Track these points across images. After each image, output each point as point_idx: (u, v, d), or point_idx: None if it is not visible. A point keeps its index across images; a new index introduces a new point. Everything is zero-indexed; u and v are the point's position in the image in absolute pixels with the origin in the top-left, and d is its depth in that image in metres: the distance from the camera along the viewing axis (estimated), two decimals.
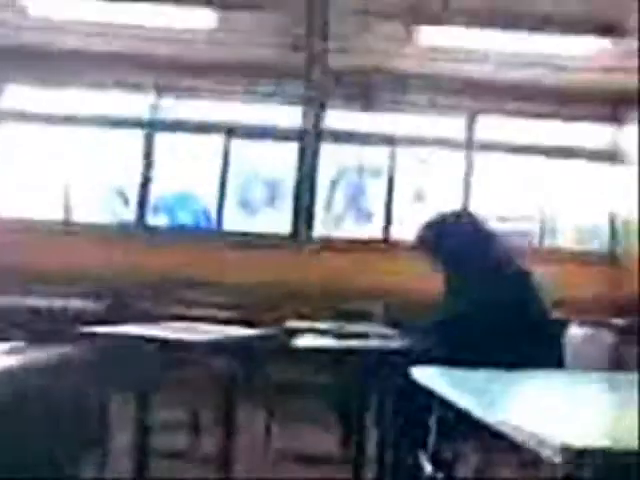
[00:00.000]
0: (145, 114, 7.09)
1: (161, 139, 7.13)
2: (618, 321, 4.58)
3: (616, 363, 3.21)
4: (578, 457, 1.02)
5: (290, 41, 6.20)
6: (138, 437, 2.84)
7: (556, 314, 2.82)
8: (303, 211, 7.01)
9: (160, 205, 7.23)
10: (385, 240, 7.01)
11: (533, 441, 1.13)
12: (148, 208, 7.12)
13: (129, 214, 7.12)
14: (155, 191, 7.15)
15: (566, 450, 1.02)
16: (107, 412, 3.08)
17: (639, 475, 1.04)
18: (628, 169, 7.00)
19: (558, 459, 1.02)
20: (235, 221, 7.15)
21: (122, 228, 7.00)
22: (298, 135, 7.06)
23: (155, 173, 7.11)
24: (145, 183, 7.06)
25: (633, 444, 1.11)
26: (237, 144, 7.10)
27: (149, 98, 7.05)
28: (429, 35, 5.83)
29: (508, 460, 2.16)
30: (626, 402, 1.69)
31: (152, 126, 7.09)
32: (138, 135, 7.09)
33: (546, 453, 1.07)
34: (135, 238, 6.86)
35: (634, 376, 2.06)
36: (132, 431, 2.87)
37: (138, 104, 7.09)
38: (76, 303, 5.56)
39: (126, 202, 7.16)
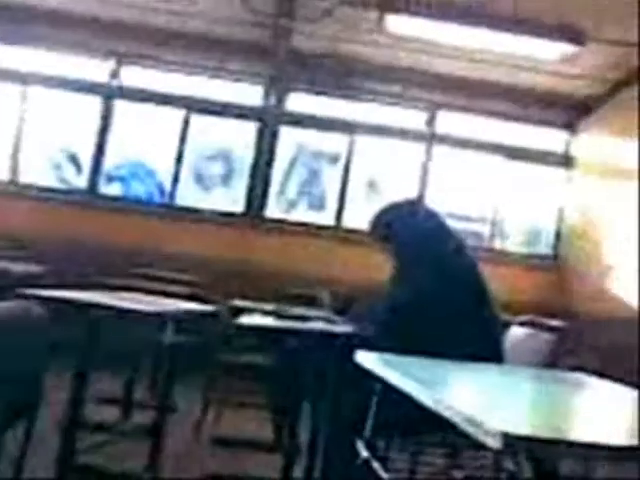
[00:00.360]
0: (104, 80, 6.92)
1: (119, 107, 6.97)
2: (557, 322, 4.68)
3: (552, 362, 3.28)
4: (516, 443, 1.03)
5: (257, 19, 6.13)
6: (70, 405, 2.77)
7: (499, 313, 2.85)
8: (257, 191, 6.96)
9: (114, 174, 7.09)
10: (337, 227, 7.02)
11: (472, 426, 1.14)
12: (101, 176, 6.97)
13: (81, 181, 6.96)
14: (110, 160, 7.01)
15: (505, 436, 1.03)
16: (40, 380, 3.00)
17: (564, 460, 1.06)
18: (577, 174, 7.14)
19: (497, 445, 1.03)
20: (189, 196, 7.06)
21: (73, 194, 6.85)
22: (258, 115, 7.00)
23: (111, 141, 6.96)
24: (99, 151, 6.91)
25: (561, 433, 1.14)
26: (196, 119, 7.01)
27: (110, 64, 6.89)
28: (397, 25, 5.82)
29: (442, 447, 2.18)
30: (560, 396, 1.73)
31: (111, 93, 6.92)
32: (96, 101, 6.92)
33: (484, 438, 1.07)
34: (86, 205, 6.71)
35: (567, 374, 2.10)
36: (65, 401, 2.80)
37: (98, 69, 6.91)
38: (18, 266, 5.42)
39: (79, 169, 7.00)
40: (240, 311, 3.63)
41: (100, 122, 6.90)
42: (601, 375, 2.01)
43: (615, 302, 6.14)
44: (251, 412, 4.55)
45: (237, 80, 7.02)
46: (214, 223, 6.80)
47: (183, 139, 6.97)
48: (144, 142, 7.09)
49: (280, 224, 6.94)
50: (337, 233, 6.94)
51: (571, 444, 1.10)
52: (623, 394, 1.80)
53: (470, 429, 1.14)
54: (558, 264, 7.09)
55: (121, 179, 7.12)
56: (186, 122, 6.96)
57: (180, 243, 6.58)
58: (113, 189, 7.10)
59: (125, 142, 7.05)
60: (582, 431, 1.35)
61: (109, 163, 7.01)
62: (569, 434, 1.24)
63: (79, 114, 6.98)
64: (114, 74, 6.89)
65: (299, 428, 3.46)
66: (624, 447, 1.15)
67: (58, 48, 6.82)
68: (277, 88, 6.92)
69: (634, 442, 1.22)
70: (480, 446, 1.10)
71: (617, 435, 1.33)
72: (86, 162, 6.95)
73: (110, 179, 7.07)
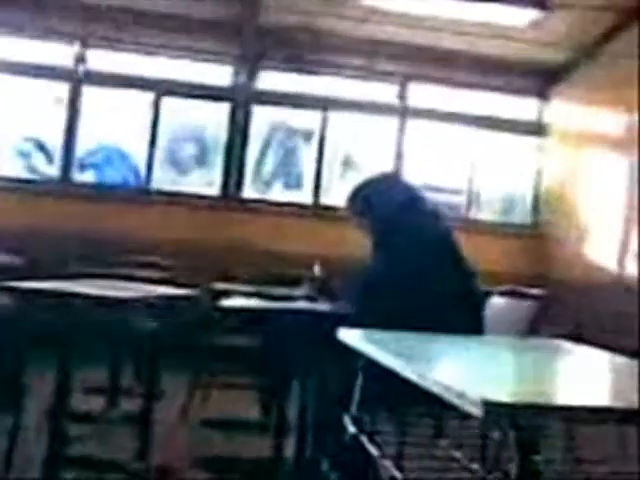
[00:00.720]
0: (70, 65, 6.80)
1: (88, 92, 6.86)
2: (536, 291, 4.73)
3: (533, 330, 3.32)
4: (498, 410, 1.05)
5: None
6: (56, 396, 2.76)
7: (478, 284, 2.88)
8: (233, 172, 6.93)
9: (86, 162, 7.00)
10: (314, 205, 7.01)
11: (454, 396, 1.15)
12: (73, 164, 6.88)
13: (53, 170, 6.88)
14: (81, 147, 6.92)
15: (487, 404, 1.04)
16: (24, 371, 2.99)
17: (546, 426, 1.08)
18: (551, 142, 7.19)
19: (479, 412, 1.04)
20: (164, 180, 7.01)
21: (46, 184, 6.76)
22: (229, 94, 6.94)
23: (81, 128, 6.87)
24: (69, 138, 6.82)
25: (542, 398, 1.17)
26: (167, 101, 6.93)
27: (75, 48, 6.77)
28: None
29: (427, 419, 2.20)
30: (541, 363, 1.75)
31: (78, 78, 6.81)
32: (63, 87, 6.81)
33: (467, 407, 1.09)
34: (59, 194, 6.63)
35: (547, 341, 2.13)
36: (50, 391, 2.79)
37: (63, 54, 6.78)
38: None
39: (49, 157, 6.90)
40: (221, 294, 3.63)
41: (68, 108, 6.79)
42: (581, 341, 2.04)
43: (593, 268, 6.22)
44: (238, 393, 4.56)
45: (206, 60, 6.95)
46: (191, 206, 6.77)
47: (155, 122, 6.90)
48: (115, 127, 7.00)
49: (257, 204, 6.92)
50: (315, 211, 6.94)
51: (551, 408, 1.12)
52: (602, 359, 1.83)
53: (454, 399, 1.15)
54: (535, 232, 7.15)
55: (94, 166, 7.04)
56: (157, 104, 6.88)
57: (157, 227, 6.54)
58: (86, 176, 7.02)
59: (96, 128, 6.96)
60: (562, 395, 1.37)
61: (80, 150, 6.92)
62: (550, 399, 1.27)
63: (46, 101, 6.87)
64: (80, 58, 6.76)
65: (287, 407, 3.49)
66: (602, 409, 1.17)
67: (21, 33, 6.69)
68: (247, 66, 6.87)
69: (611, 404, 1.24)
70: (465, 416, 1.11)
71: (595, 398, 1.36)
72: (56, 150, 6.85)
73: (83, 166, 6.99)
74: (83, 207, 6.55)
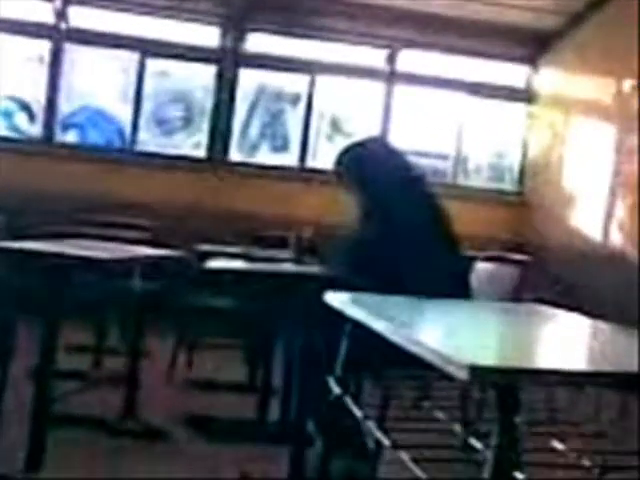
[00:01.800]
0: (51, 21, 6.65)
1: (71, 51, 6.74)
2: (521, 257, 4.77)
3: (517, 295, 3.37)
4: (482, 374, 1.07)
5: None
6: (41, 356, 2.77)
7: (464, 250, 2.90)
8: (219, 135, 6.88)
9: (70, 122, 6.91)
10: (301, 168, 6.99)
11: (440, 359, 1.17)
12: (56, 124, 6.79)
13: (36, 129, 6.79)
14: (65, 107, 6.82)
15: (472, 368, 1.06)
16: (10, 331, 2.99)
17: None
18: (539, 110, 7.18)
19: (464, 376, 1.06)
20: (150, 141, 6.94)
21: (28, 143, 6.68)
22: (216, 56, 6.85)
23: (64, 87, 6.76)
24: (52, 97, 6.71)
25: (525, 362, 1.20)
26: (153, 62, 6.83)
27: (55, 4, 6.61)
28: None
29: (412, 381, 2.24)
30: (525, 328, 1.78)
31: (60, 35, 6.68)
32: (45, 45, 6.69)
33: (452, 371, 1.11)
34: (42, 154, 6.56)
35: (531, 306, 2.16)
36: (35, 351, 2.79)
37: (43, 10, 6.62)
38: None
39: (31, 117, 6.81)
40: (206, 255, 3.63)
41: (50, 67, 6.67)
42: (564, 306, 2.07)
43: (577, 235, 6.27)
44: (223, 354, 4.60)
45: (193, 20, 6.84)
46: (177, 168, 6.72)
47: (140, 83, 6.80)
48: (99, 88, 6.90)
49: (243, 167, 6.88)
50: (301, 174, 6.92)
51: (534, 372, 1.14)
52: (584, 324, 1.86)
53: (439, 363, 1.17)
54: (522, 199, 7.18)
55: (77, 126, 6.95)
56: (142, 65, 6.78)
57: (143, 189, 6.50)
58: (70, 137, 6.93)
59: (79, 88, 6.86)
60: (545, 359, 1.40)
61: (64, 110, 6.82)
62: (533, 363, 1.29)
63: (28, 59, 6.74)
64: (61, 15, 6.62)
65: (272, 368, 3.52)
66: (583, 372, 1.19)
67: None
68: (234, 28, 6.77)
69: (590, 368, 1.27)
70: (448, 378, 1.13)
71: (575, 362, 1.39)
72: (39, 110, 6.75)
73: (66, 127, 6.89)
74: (66, 167, 6.49)
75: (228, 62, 6.82)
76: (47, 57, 6.66)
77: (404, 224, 2.63)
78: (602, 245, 5.90)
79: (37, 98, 6.73)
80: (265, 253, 3.34)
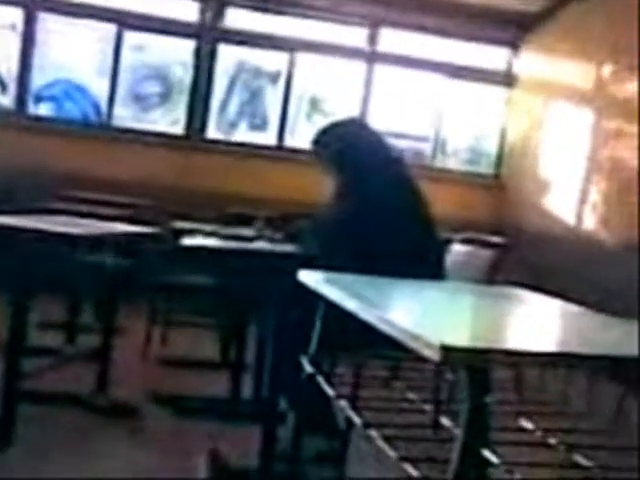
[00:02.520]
0: None
1: (44, 20, 6.59)
2: (496, 239, 4.80)
3: (491, 277, 3.38)
4: (454, 355, 1.07)
5: None
6: (12, 333, 2.74)
7: (440, 232, 2.91)
8: (197, 111, 6.81)
9: (44, 94, 6.79)
10: (279, 147, 6.95)
11: (412, 340, 1.17)
12: (29, 96, 6.67)
13: (7, 101, 6.66)
14: (39, 79, 6.70)
15: (444, 348, 1.06)
16: None
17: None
18: (518, 94, 7.20)
19: (436, 356, 1.06)
20: (127, 117, 6.85)
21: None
22: (195, 32, 6.77)
23: (38, 58, 6.63)
24: (25, 67, 6.57)
25: (496, 343, 1.23)
26: (130, 35, 6.73)
27: None
28: None
29: (384, 363, 2.24)
30: (497, 310, 1.79)
31: (33, 3, 6.52)
32: (18, 13, 6.53)
33: (425, 351, 1.11)
34: (14, 126, 6.44)
35: (505, 288, 2.17)
36: (5, 327, 2.76)
37: None
38: None
39: (3, 87, 6.68)
40: (181, 232, 3.61)
41: (23, 36, 6.52)
42: (537, 289, 2.08)
43: (552, 219, 6.32)
44: (197, 332, 4.59)
45: None
46: (153, 144, 6.65)
47: (117, 56, 6.70)
48: (75, 59, 6.78)
49: (221, 145, 6.83)
50: (279, 153, 6.89)
51: (505, 352, 1.15)
52: (556, 307, 1.87)
53: (412, 344, 1.17)
54: (499, 182, 7.22)
55: (52, 99, 6.83)
56: (119, 37, 6.68)
57: (119, 165, 6.43)
58: (43, 110, 6.82)
59: (54, 60, 6.73)
60: (516, 341, 1.40)
61: (38, 82, 6.69)
62: (504, 344, 1.30)
63: None
64: None
65: (245, 346, 3.52)
66: (553, 353, 1.20)
67: None
68: (214, 3, 6.69)
69: (560, 349, 1.28)
70: (421, 358, 1.13)
71: (546, 344, 1.40)
72: (11, 80, 6.60)
73: (39, 99, 6.77)
74: (40, 141, 6.38)
75: (207, 37, 6.74)
76: (20, 25, 6.52)
77: (380, 204, 2.63)
78: (576, 229, 5.96)
79: (9, 67, 6.60)
80: (232, 231, 3.32)
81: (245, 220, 4.16)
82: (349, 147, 2.80)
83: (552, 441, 1.53)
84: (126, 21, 6.66)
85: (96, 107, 6.81)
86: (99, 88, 6.76)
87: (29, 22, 6.52)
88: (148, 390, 3.47)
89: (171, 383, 3.69)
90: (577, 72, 6.29)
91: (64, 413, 3.10)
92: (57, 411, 3.10)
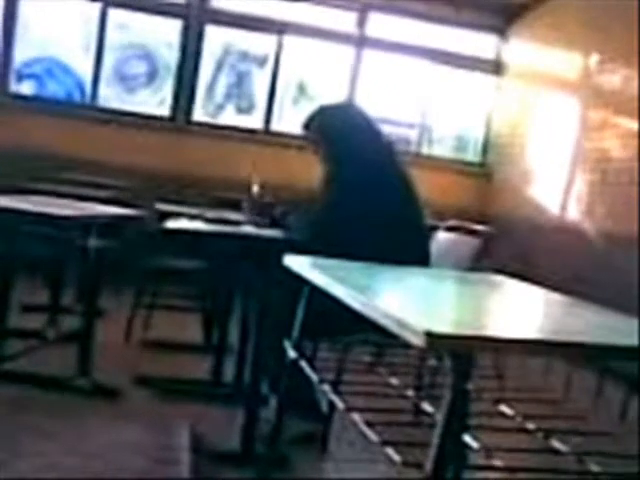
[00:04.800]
0: None
1: None
2: (481, 227, 4.82)
3: (476, 265, 3.40)
4: (438, 341, 1.07)
5: None
6: None
7: (426, 219, 2.92)
8: (184, 94, 6.76)
9: (25, 72, 6.69)
10: (265, 130, 6.92)
11: (396, 325, 1.17)
12: (11, 73, 6.56)
13: None
14: (19, 55, 6.58)
15: (428, 334, 1.06)
16: None
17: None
18: (506, 82, 7.20)
19: (420, 343, 1.06)
20: (112, 97, 6.78)
21: None
22: (182, 12, 6.70)
23: (20, 35, 6.51)
24: (6, 43, 6.46)
25: (480, 330, 1.23)
26: (115, 13, 6.64)
27: None
28: None
29: (367, 349, 2.25)
30: (481, 297, 1.80)
31: None
32: None
33: (408, 337, 1.11)
34: None
35: (489, 276, 2.18)
36: None
37: None
38: None
39: None
40: (166, 215, 3.58)
41: (5, 11, 6.41)
42: (521, 277, 2.09)
43: (537, 208, 6.34)
44: (180, 315, 4.58)
45: None
46: (138, 125, 6.60)
47: (102, 34, 6.62)
48: (59, 37, 6.68)
49: (207, 128, 6.79)
50: (266, 137, 6.86)
51: (490, 339, 1.15)
52: (539, 294, 1.88)
53: (396, 329, 1.17)
54: (485, 170, 7.23)
55: (34, 77, 6.74)
56: (104, 15, 6.59)
57: (103, 146, 6.37)
58: (25, 88, 6.73)
59: (37, 36, 6.63)
60: (499, 328, 1.41)
61: (18, 59, 6.59)
62: (487, 331, 1.30)
63: None
64: None
65: (229, 330, 3.52)
66: (536, 341, 1.21)
67: None
68: None
69: (541, 337, 1.29)
70: (405, 345, 1.13)
71: (528, 331, 1.41)
72: None
73: (21, 77, 6.68)
74: (21, 119, 6.30)
75: (194, 18, 6.67)
76: (1, 1, 6.42)
77: (369, 189, 2.63)
78: (559, 218, 5.99)
79: None
80: (217, 214, 3.31)
81: (232, 204, 4.14)
82: (339, 132, 2.79)
83: (530, 426, 1.54)
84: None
85: (80, 86, 6.73)
86: (83, 67, 6.68)
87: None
88: (131, 372, 3.46)
89: (154, 366, 3.68)
90: (565, 61, 6.30)
91: (45, 395, 3.09)
92: (38, 393, 3.08)
